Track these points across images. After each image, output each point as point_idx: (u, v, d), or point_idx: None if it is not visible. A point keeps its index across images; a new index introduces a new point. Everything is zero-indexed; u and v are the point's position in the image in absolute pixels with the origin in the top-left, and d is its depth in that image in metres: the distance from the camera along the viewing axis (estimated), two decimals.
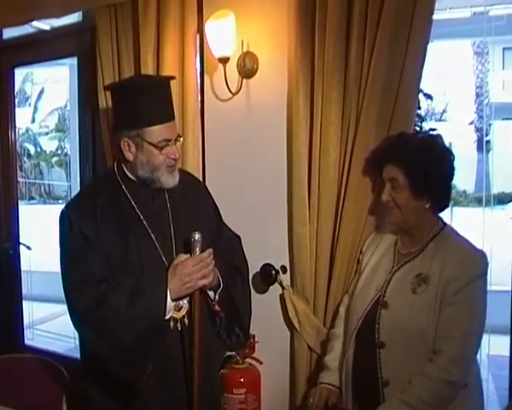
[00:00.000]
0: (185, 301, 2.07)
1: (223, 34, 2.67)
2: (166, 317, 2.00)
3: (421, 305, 2.05)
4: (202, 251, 2.02)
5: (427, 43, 2.37)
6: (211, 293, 2.12)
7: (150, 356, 1.97)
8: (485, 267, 2.07)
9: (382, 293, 2.16)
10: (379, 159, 2.27)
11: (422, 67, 2.38)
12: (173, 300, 2.00)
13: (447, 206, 2.19)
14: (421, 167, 2.07)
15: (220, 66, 2.76)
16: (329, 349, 2.43)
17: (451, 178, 2.15)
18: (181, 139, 2.14)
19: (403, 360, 2.06)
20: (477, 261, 2.06)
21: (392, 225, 2.27)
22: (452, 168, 2.14)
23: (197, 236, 2.01)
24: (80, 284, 1.97)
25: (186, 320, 2.07)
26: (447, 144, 2.19)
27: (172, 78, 2.30)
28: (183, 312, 2.07)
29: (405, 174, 2.10)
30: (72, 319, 2.02)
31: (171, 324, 2.04)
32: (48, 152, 18.29)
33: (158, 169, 2.05)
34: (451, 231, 2.18)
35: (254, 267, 2.75)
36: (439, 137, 2.20)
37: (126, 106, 2.05)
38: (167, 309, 1.98)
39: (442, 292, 2.02)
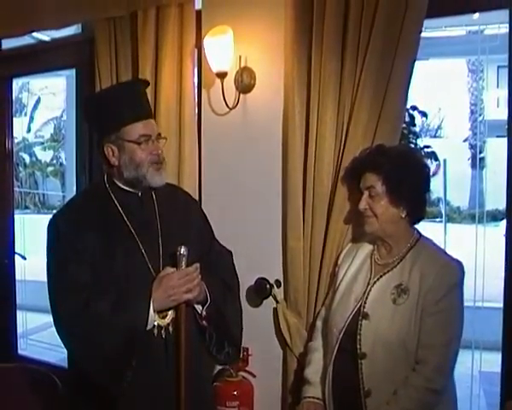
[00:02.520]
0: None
1: (221, 49, 2.70)
2: (149, 326, 1.99)
3: (403, 315, 2.08)
4: (188, 265, 2.02)
5: (415, 60, 2.40)
6: (198, 307, 2.12)
7: (130, 364, 1.96)
8: (462, 276, 2.12)
9: (362, 304, 2.17)
10: (357, 168, 2.31)
11: (408, 84, 2.42)
12: (157, 311, 2.00)
13: (422, 217, 2.24)
14: (398, 174, 2.12)
15: (218, 80, 2.78)
16: (308, 363, 2.43)
17: (426, 190, 2.21)
18: (163, 138, 2.14)
19: (384, 371, 2.09)
20: (454, 271, 2.11)
21: (369, 235, 2.29)
22: (427, 180, 2.20)
23: (183, 249, 2.00)
24: (65, 291, 1.97)
25: (171, 328, 2.06)
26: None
27: (141, 80, 2.39)
28: (168, 319, 2.05)
29: (383, 182, 2.14)
30: (55, 326, 2.02)
31: (155, 331, 2.03)
32: (43, 162, 18.26)
33: (142, 166, 2.05)
34: (428, 242, 2.22)
35: (249, 281, 2.76)
36: (415, 149, 2.24)
37: (101, 114, 2.08)
38: (149, 320, 1.97)
39: (423, 302, 2.07)
